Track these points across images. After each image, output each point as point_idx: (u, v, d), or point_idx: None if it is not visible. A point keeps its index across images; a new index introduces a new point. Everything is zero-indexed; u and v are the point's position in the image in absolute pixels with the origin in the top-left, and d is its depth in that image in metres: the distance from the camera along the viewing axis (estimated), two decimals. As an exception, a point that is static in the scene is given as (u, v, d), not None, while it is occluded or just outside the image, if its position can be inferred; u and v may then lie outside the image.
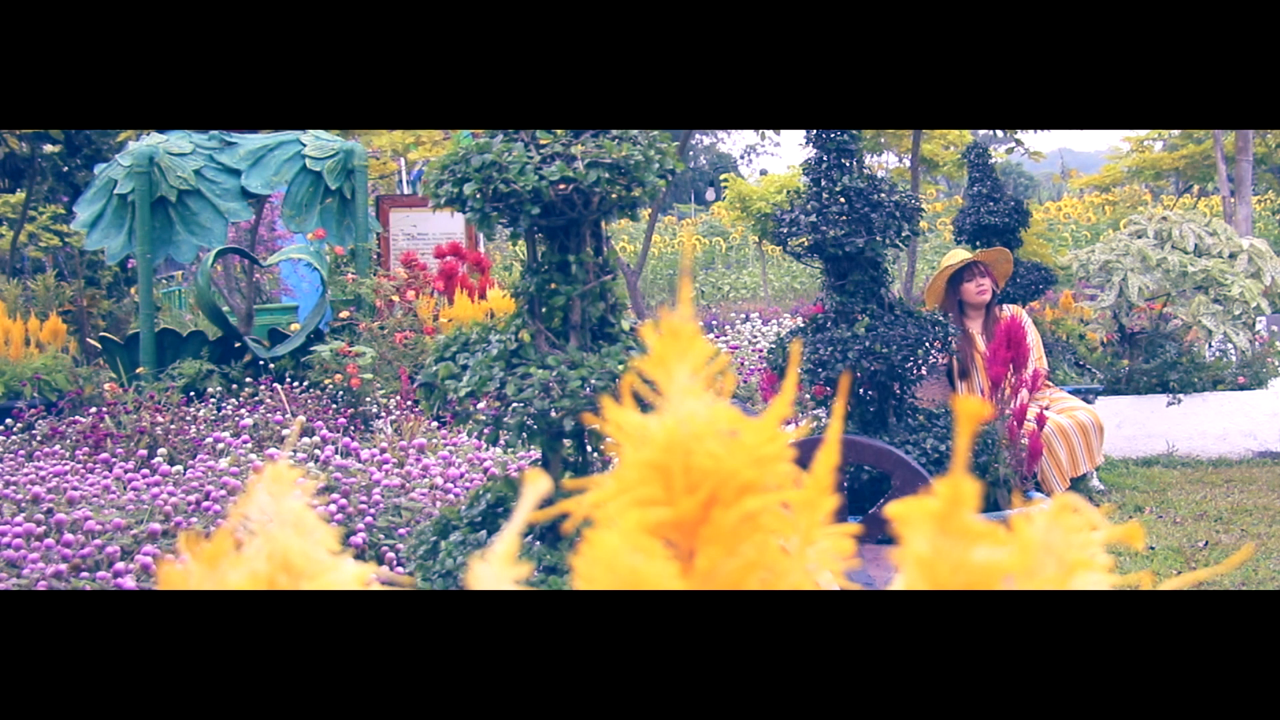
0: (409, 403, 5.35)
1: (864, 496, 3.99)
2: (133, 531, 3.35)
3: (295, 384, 5.77)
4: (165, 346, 6.76)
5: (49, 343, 7.19)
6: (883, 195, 4.02)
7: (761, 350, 8.00)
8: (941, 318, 4.12)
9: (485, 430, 2.68)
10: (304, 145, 7.08)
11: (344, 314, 6.48)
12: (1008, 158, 14.89)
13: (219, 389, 6.11)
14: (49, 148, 10.17)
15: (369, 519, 3.62)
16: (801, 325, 4.36)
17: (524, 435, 2.59)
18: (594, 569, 0.48)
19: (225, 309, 8.63)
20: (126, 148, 7.19)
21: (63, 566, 3.09)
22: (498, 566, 0.50)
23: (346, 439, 4.47)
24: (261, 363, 6.53)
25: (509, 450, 3.67)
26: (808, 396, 4.31)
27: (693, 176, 35.17)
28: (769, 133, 11.36)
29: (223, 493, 3.64)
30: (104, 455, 4.63)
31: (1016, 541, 0.48)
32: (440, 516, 2.85)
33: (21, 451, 4.91)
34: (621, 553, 0.47)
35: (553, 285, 2.70)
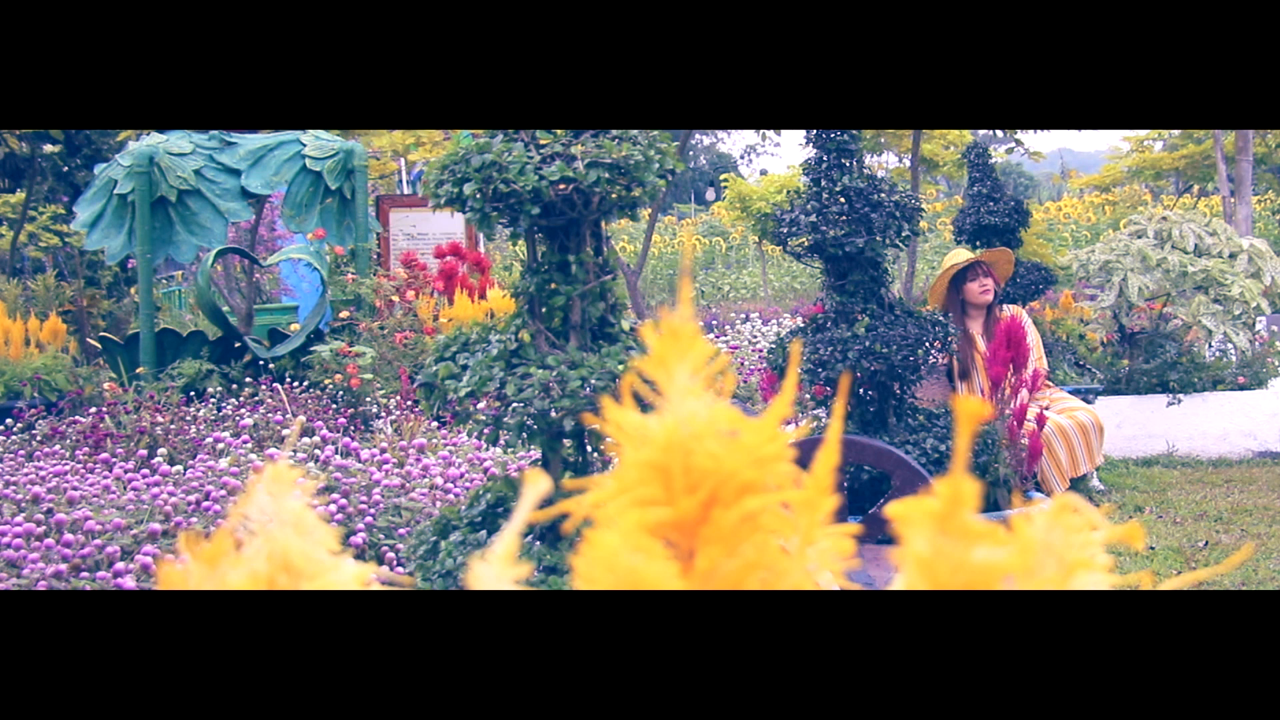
0: (409, 403, 5.35)
1: (864, 496, 3.99)
2: (133, 531, 3.35)
3: (295, 384, 5.76)
4: (165, 346, 6.76)
5: (49, 343, 7.19)
6: (883, 195, 4.02)
7: (761, 350, 8.00)
8: (942, 317, 4.12)
9: (485, 430, 2.68)
10: (304, 145, 7.08)
11: (344, 314, 6.48)
12: (1008, 158, 14.89)
13: (219, 389, 6.11)
14: (49, 148, 10.16)
15: (369, 519, 3.61)
16: (801, 325, 4.36)
17: (524, 435, 2.59)
18: (594, 569, 0.48)
19: (225, 309, 8.63)
20: (126, 148, 7.19)
21: (63, 566, 3.09)
22: (498, 566, 0.50)
23: (346, 439, 4.47)
24: (261, 363, 6.53)
25: (509, 450, 3.67)
26: (808, 396, 4.31)
27: (693, 176, 35.15)
28: (769, 133, 11.35)
29: (223, 493, 3.64)
30: (104, 455, 4.63)
31: (1016, 541, 0.48)
32: (440, 516, 2.85)
33: (21, 451, 4.91)
34: (621, 553, 0.47)
35: (553, 285, 2.70)
